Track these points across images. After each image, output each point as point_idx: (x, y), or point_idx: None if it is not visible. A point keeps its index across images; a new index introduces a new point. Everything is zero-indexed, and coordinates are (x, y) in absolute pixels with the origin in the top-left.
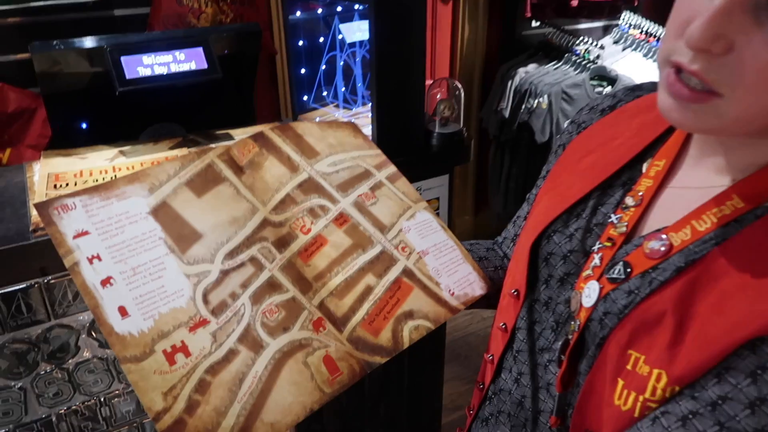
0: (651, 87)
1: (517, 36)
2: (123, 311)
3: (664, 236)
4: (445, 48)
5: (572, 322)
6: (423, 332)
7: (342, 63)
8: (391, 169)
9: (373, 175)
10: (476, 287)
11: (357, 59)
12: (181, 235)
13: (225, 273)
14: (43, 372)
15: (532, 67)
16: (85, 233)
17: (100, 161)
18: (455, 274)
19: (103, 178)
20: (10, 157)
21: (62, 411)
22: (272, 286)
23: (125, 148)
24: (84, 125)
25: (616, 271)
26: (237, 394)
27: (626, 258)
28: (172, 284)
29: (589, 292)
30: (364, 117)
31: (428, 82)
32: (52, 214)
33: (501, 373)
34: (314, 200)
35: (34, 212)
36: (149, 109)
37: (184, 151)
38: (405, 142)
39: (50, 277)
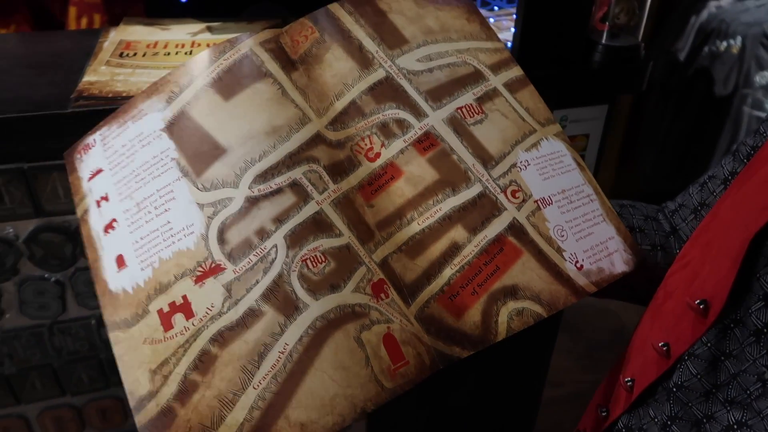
0: None
1: None
2: (120, 261)
3: None
4: None
5: None
6: (530, 320)
7: None
8: (515, 72)
9: (485, 78)
10: (618, 261)
11: None
12: (198, 153)
13: (253, 201)
14: (82, 267)
15: (727, 1)
16: (98, 172)
17: (181, 34)
18: (589, 238)
19: (176, 53)
20: None
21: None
22: (319, 224)
23: (214, 24)
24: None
25: None
26: (254, 376)
27: None
28: (179, 219)
29: None
30: (507, 19)
31: None
32: (75, 160)
33: (641, 407)
34: (390, 111)
35: (85, 78)
36: None
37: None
38: (555, 50)
39: None
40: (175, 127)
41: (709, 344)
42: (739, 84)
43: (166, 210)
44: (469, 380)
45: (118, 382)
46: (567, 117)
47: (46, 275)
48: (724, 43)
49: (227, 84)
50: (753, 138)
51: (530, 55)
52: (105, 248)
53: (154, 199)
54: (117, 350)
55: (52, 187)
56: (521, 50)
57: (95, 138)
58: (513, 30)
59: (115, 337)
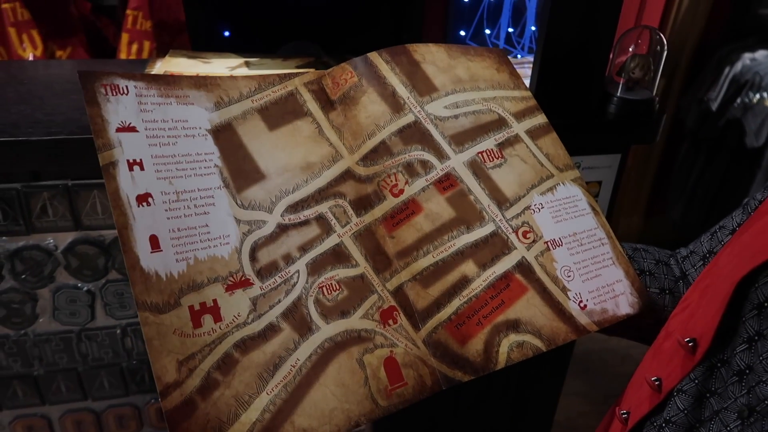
0: None
1: (751, 14)
2: (155, 242)
3: None
4: (655, 16)
5: None
6: (528, 353)
7: None
8: (539, 119)
9: (507, 125)
10: (623, 304)
11: None
12: (241, 170)
13: (283, 228)
14: (113, 280)
15: (762, 54)
16: (131, 128)
17: (221, 68)
18: (596, 279)
19: None
20: None
21: (127, 325)
22: (338, 255)
23: (252, 60)
24: (226, 33)
25: None
26: (268, 382)
27: None
28: (217, 226)
29: None
30: (528, 67)
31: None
32: (97, 91)
33: None
34: (415, 153)
35: None
36: (288, 25)
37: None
38: (572, 100)
39: None
40: (221, 135)
41: (696, 381)
42: None
43: (205, 212)
44: (477, 415)
45: (137, 391)
46: (580, 164)
47: (79, 284)
48: (757, 95)
49: (273, 115)
50: (762, 193)
51: (546, 104)
52: (137, 220)
53: (195, 195)
54: (147, 332)
55: (92, 203)
56: (537, 98)
57: (128, 85)
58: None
59: (144, 317)
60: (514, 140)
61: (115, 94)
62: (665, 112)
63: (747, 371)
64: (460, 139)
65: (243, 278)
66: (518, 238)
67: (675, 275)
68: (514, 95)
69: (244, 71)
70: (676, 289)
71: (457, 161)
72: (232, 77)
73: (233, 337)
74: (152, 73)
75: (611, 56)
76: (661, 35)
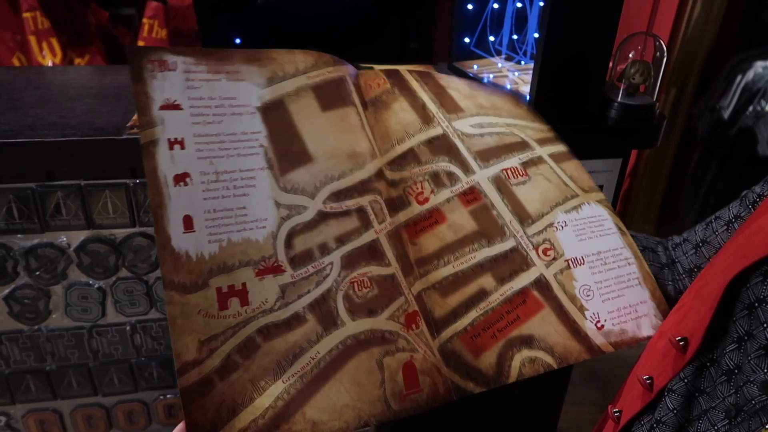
0: None
1: (762, 22)
2: (188, 222)
3: None
4: (666, 25)
5: (764, 425)
6: (540, 369)
7: (517, 5)
8: (559, 147)
9: (530, 147)
10: (645, 325)
11: (536, 2)
12: (287, 151)
13: (323, 216)
14: (123, 277)
15: None
16: (175, 106)
17: None
18: (617, 300)
19: None
20: None
21: (137, 322)
22: (373, 252)
23: None
24: (237, 41)
25: None
26: (286, 371)
27: None
28: (256, 208)
29: None
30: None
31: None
32: (144, 68)
33: None
34: (442, 164)
35: None
36: (298, 33)
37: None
38: (572, 105)
39: (139, 180)
40: (270, 113)
41: (686, 380)
42: None
43: (244, 194)
44: (478, 420)
45: (146, 387)
46: None
47: (90, 282)
48: None
49: (327, 95)
50: (761, 186)
51: (547, 108)
52: (173, 199)
53: (235, 176)
54: (171, 310)
55: (104, 203)
56: (537, 103)
57: (177, 61)
58: None
59: (170, 296)
60: (538, 161)
61: (162, 69)
62: (666, 117)
63: (736, 371)
64: (486, 156)
65: (275, 264)
66: (538, 255)
67: (661, 262)
68: (534, 126)
69: None
70: (661, 275)
71: (482, 176)
72: (288, 52)
73: (257, 323)
74: None
75: (612, 62)
76: (661, 42)
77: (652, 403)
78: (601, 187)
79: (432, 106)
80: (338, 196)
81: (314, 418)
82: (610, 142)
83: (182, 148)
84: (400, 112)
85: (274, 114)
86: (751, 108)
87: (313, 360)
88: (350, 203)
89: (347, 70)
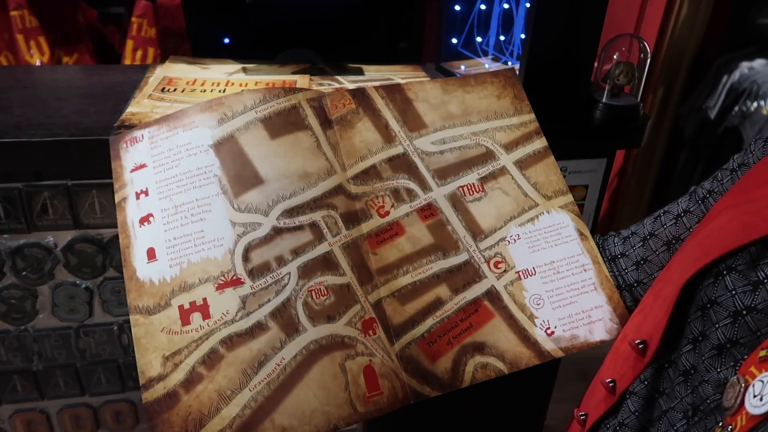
0: None
1: (748, 23)
2: (151, 253)
3: None
4: (653, 26)
5: (718, 424)
6: (491, 374)
7: (504, 6)
8: (535, 145)
9: (493, 158)
10: (598, 330)
11: (522, 3)
12: (239, 176)
13: (278, 231)
14: (110, 277)
15: (760, 63)
16: (142, 166)
17: (219, 73)
18: (569, 307)
19: (211, 91)
20: None
21: (124, 322)
22: (328, 263)
23: (249, 66)
24: (226, 40)
25: None
26: (251, 379)
27: None
28: (213, 230)
29: (762, 390)
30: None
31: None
32: (120, 148)
33: None
34: (402, 181)
35: (128, 109)
36: (287, 32)
37: (305, 78)
38: (557, 105)
39: None
40: (222, 147)
41: (646, 382)
42: None
43: (201, 219)
44: (466, 419)
45: (134, 387)
46: (567, 168)
47: (77, 281)
48: (755, 104)
49: (275, 125)
50: (710, 182)
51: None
52: (138, 238)
53: (192, 206)
54: (136, 332)
55: (91, 203)
56: None
57: (144, 134)
58: None
59: (135, 320)
60: (499, 173)
61: (133, 144)
62: (650, 117)
63: (692, 371)
64: (443, 174)
65: (234, 277)
66: (489, 268)
67: (606, 257)
68: (512, 123)
69: (242, 77)
70: (608, 268)
71: (439, 193)
72: (237, 94)
73: (220, 334)
74: (152, 79)
75: (597, 63)
76: (645, 43)
77: (615, 405)
78: (586, 187)
79: (395, 125)
80: (291, 212)
81: (284, 424)
82: (595, 142)
83: (146, 195)
84: (364, 132)
85: (226, 147)
86: (737, 108)
87: (278, 366)
88: (303, 219)
89: (305, 96)
